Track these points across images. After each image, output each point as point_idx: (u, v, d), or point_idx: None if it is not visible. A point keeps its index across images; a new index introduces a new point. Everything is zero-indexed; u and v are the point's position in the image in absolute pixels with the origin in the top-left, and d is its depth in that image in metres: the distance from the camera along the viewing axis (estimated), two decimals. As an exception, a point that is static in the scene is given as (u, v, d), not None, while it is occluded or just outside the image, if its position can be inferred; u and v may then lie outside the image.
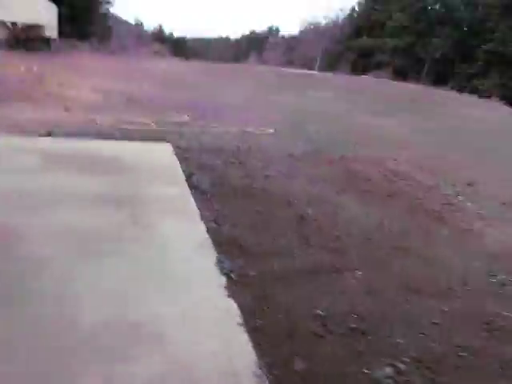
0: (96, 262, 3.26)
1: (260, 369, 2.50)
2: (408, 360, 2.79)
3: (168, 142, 6.87)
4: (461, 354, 2.94)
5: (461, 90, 20.94)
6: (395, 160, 8.24)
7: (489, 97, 20.01)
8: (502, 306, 3.60)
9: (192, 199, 4.74)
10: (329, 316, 3.11)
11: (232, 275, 3.38)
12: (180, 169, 5.64)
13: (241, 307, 3.02)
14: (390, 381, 2.59)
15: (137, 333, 2.64)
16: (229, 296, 3.12)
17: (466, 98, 18.89)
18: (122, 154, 5.86)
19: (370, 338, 2.94)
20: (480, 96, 19.67)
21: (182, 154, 6.37)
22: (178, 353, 2.53)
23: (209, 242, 3.88)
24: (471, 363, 2.87)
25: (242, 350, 2.62)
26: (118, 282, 3.08)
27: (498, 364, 2.91)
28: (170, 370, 2.41)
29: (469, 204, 6.27)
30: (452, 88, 21.64)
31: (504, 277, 4.11)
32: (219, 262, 3.53)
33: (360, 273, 3.80)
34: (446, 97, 18.42)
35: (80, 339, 2.53)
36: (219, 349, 2.60)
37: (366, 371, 2.65)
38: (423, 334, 3.09)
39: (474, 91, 21.31)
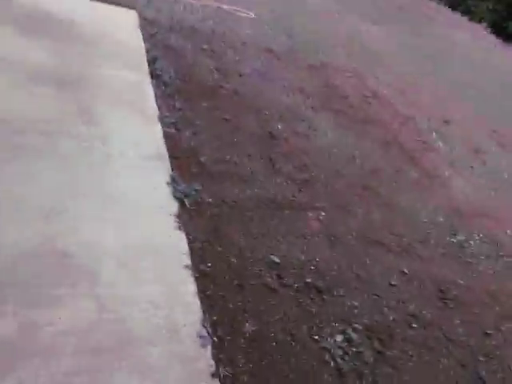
0: (21, 163, 2.67)
1: (205, 328, 2.21)
2: (360, 327, 2.62)
3: (133, 8, 5.79)
4: (412, 324, 2.82)
5: (454, 7, 19.67)
6: (377, 78, 7.66)
7: (480, 21, 19.04)
8: (458, 273, 3.51)
9: (152, 92, 4.05)
10: (285, 265, 2.84)
11: (186, 201, 2.95)
12: (143, 48, 4.77)
13: (191, 245, 2.65)
14: (339, 351, 2.43)
15: (64, 266, 2.22)
16: (179, 228, 2.73)
17: (458, 17, 17.83)
18: (76, 15, 4.83)
19: (324, 297, 2.73)
20: (471, 19, 18.65)
21: (148, 29, 5.41)
22: (112, 298, 2.17)
23: (164, 151, 3.35)
24: (420, 336, 2.77)
25: (186, 302, 2.30)
26: (46, 194, 2.56)
27: (446, 340, 2.84)
28: (100, 319, 2.06)
29: (442, 145, 6.00)
30: (445, 5, 20.28)
31: (464, 237, 4.00)
32: (173, 182, 3.06)
33: (324, 214, 3.50)
34: (439, 13, 17.26)
35: (-9, 268, 2.08)
36: (161, 297, 2.27)
37: (316, 337, 2.46)
38: (379, 296, 2.93)
39: (466, 12, 20.11)
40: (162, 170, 3.14)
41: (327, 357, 2.38)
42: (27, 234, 2.29)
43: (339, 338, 2.50)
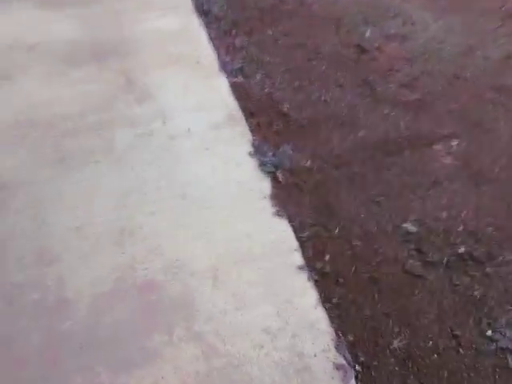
0: (75, 176, 2.23)
1: (342, 355, 1.68)
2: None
3: None
4: None
5: None
6: None
7: None
8: None
9: (204, 34, 3.33)
10: (424, 233, 2.15)
11: (279, 174, 2.33)
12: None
13: (298, 235, 2.07)
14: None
15: (152, 304, 1.79)
16: (278, 214, 2.14)
17: None
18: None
19: (487, 269, 2.01)
20: None
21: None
22: (217, 335, 1.70)
23: (236, 111, 2.70)
24: None
25: (310, 321, 1.76)
26: (111, 210, 2.09)
27: None
28: (211, 368, 1.62)
29: None
30: None
31: None
32: (257, 151, 2.43)
33: (456, 143, 2.67)
34: None
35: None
36: (276, 321, 1.75)
37: (488, 334, 1.81)
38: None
39: None
40: (240, 138, 2.52)
41: (511, 361, 1.74)
42: (100, 269, 1.88)
43: (524, 329, 1.83)
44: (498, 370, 1.72)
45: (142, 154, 2.36)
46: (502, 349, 1.77)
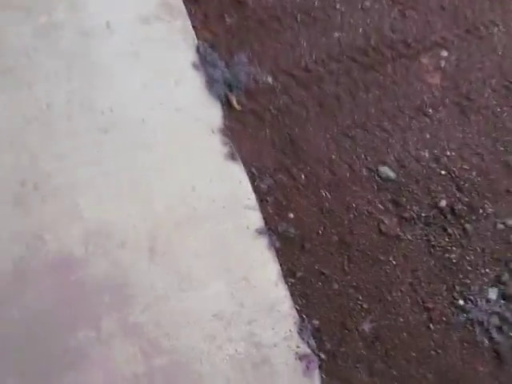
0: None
1: (306, 342, 1.46)
2: (523, 267, 1.76)
3: None
4: None
5: None
6: None
7: None
8: None
9: None
10: (403, 179, 1.83)
11: (232, 98, 1.80)
12: None
13: (257, 186, 1.67)
14: (495, 319, 1.65)
15: (72, 285, 1.40)
16: (231, 156, 1.69)
17: None
18: None
19: (467, 226, 1.79)
20: None
21: None
22: (158, 327, 1.40)
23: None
24: None
25: (270, 301, 1.49)
26: (1, 130, 1.53)
27: None
28: (152, 370, 1.35)
29: None
30: None
31: None
32: (203, 61, 1.84)
33: (446, 55, 2.20)
34: None
35: None
36: (231, 304, 1.46)
37: (460, 303, 1.66)
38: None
39: None
40: (181, 38, 1.88)
41: (478, 333, 1.62)
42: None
43: (492, 293, 1.69)
44: (465, 344, 1.61)
45: (42, 61, 1.69)
46: (471, 320, 1.64)
